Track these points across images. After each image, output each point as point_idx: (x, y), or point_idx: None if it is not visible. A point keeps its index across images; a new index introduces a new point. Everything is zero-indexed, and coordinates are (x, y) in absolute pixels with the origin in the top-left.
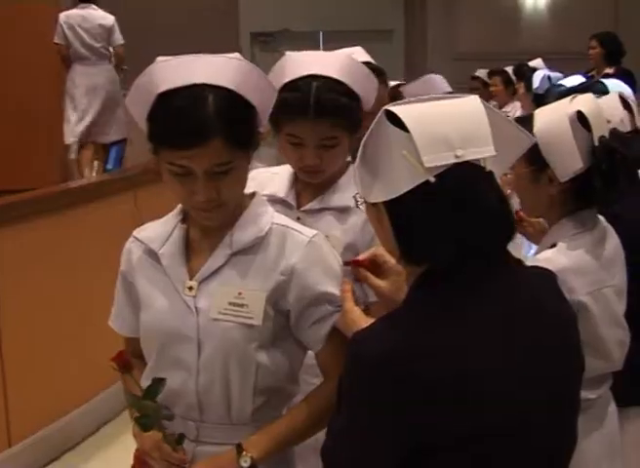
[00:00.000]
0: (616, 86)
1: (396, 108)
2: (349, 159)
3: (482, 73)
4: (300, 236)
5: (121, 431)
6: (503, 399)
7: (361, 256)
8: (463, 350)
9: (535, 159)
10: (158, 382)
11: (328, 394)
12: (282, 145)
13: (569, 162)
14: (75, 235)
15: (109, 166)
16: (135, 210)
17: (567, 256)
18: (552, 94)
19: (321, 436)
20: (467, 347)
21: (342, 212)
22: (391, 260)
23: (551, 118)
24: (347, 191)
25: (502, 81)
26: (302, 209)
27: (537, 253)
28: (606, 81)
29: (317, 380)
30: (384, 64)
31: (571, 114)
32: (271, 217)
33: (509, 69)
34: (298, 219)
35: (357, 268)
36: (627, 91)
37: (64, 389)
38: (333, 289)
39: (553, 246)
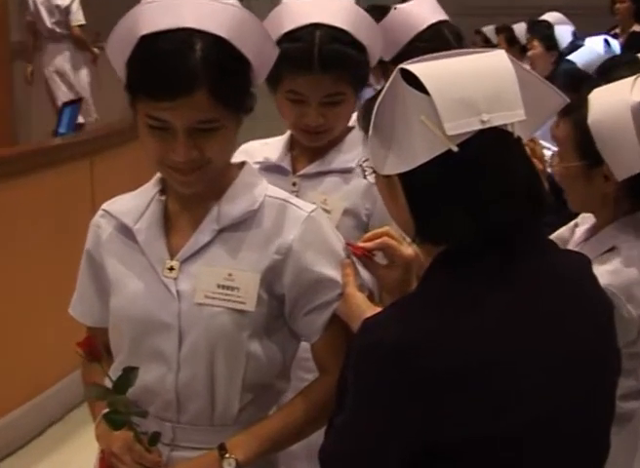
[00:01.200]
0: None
1: (413, 66)
2: (352, 124)
3: (487, 30)
4: (298, 211)
5: (69, 433)
6: (527, 396)
7: (368, 244)
8: (483, 341)
9: (587, 153)
10: (129, 372)
11: (327, 388)
12: (280, 103)
13: (630, 160)
14: (25, 205)
15: (62, 130)
16: (91, 178)
17: (635, 267)
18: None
19: (313, 439)
20: (487, 338)
21: (343, 173)
22: (402, 251)
23: (610, 108)
24: (350, 153)
25: (505, 39)
26: (299, 173)
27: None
28: (589, 41)
29: (311, 376)
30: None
31: (633, 104)
32: (264, 189)
33: (517, 26)
34: (293, 185)
35: (361, 255)
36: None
37: (4, 387)
38: (333, 272)
39: (611, 250)
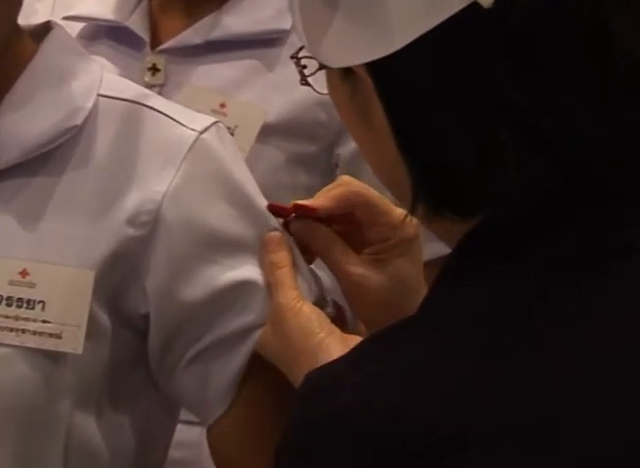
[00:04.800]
0: None
1: None
2: None
3: None
4: (175, 128)
5: None
6: None
7: (319, 200)
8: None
9: None
10: None
11: None
12: None
13: None
14: None
15: None
16: None
17: None
18: None
19: None
20: (560, 412)
21: (265, 46)
22: (395, 216)
23: None
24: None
25: None
26: (163, 46)
27: None
28: None
29: None
30: None
31: None
32: (96, 80)
33: None
34: (152, 71)
35: (304, 221)
36: None
37: None
38: (252, 262)
39: None
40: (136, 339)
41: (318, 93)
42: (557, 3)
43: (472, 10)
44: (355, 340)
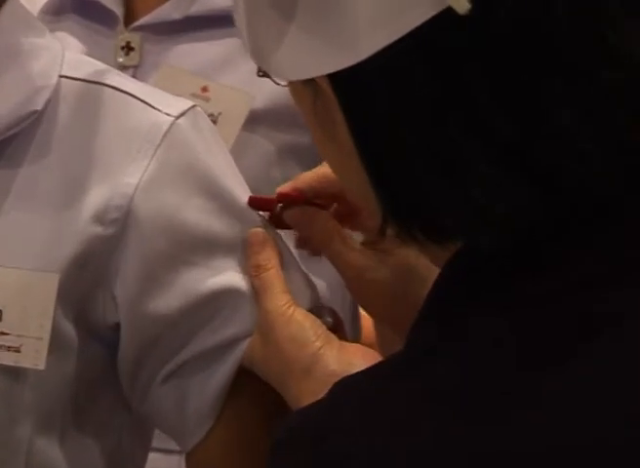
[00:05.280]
0: None
1: None
2: None
3: None
4: (148, 112)
5: None
6: None
7: (300, 180)
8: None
9: None
10: None
11: None
12: None
13: None
14: None
15: None
16: None
17: None
18: None
19: None
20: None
21: None
22: None
23: None
24: None
25: None
26: (138, 23)
27: None
28: None
29: None
30: None
31: None
32: (57, 60)
33: None
34: (126, 51)
35: (298, 208)
36: None
37: None
38: (234, 265)
39: None
40: (105, 353)
41: (279, 85)
42: (541, 8)
43: (446, 16)
44: (355, 350)
